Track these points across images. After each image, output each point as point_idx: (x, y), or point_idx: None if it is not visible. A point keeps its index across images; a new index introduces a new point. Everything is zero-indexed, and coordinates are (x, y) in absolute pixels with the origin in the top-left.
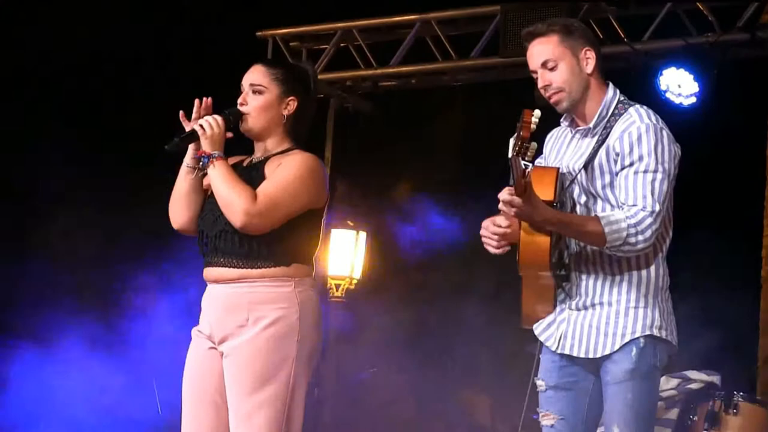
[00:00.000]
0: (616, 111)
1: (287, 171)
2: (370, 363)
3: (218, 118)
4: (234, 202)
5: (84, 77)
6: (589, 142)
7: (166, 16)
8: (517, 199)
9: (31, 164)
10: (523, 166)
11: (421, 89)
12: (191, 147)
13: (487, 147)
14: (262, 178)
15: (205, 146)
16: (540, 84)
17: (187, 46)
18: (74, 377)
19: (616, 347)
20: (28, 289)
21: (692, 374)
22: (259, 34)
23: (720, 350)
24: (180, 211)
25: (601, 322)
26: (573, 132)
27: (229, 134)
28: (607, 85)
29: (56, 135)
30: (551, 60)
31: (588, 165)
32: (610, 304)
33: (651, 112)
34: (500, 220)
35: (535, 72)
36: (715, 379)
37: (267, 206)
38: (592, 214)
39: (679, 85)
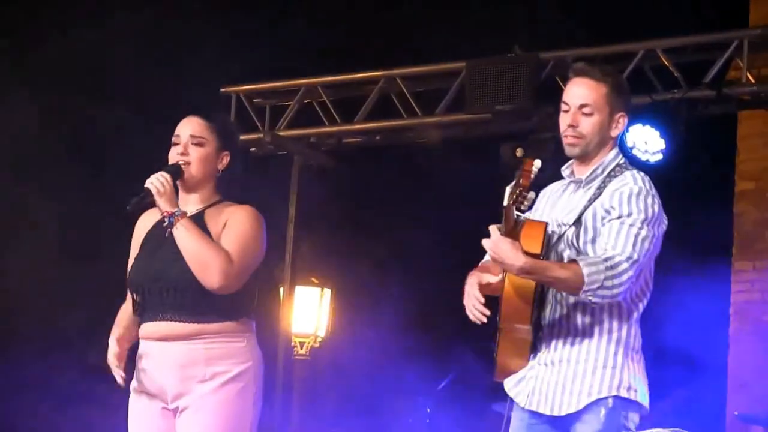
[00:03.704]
0: (613, 173)
1: (244, 228)
2: (334, 421)
3: (165, 175)
4: (210, 262)
5: None
6: (581, 198)
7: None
8: (500, 236)
9: None
10: (515, 217)
11: (385, 146)
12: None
13: (451, 203)
14: (206, 231)
15: (163, 204)
16: (567, 120)
17: (154, 101)
18: None
19: (581, 406)
20: None
21: None
22: (222, 90)
23: (686, 407)
24: None
25: (567, 379)
26: (567, 183)
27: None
28: (614, 147)
29: None
30: (590, 107)
31: (577, 221)
32: (578, 362)
33: (647, 179)
34: (488, 277)
35: (567, 105)
36: None
37: (241, 266)
38: None
39: (646, 141)
